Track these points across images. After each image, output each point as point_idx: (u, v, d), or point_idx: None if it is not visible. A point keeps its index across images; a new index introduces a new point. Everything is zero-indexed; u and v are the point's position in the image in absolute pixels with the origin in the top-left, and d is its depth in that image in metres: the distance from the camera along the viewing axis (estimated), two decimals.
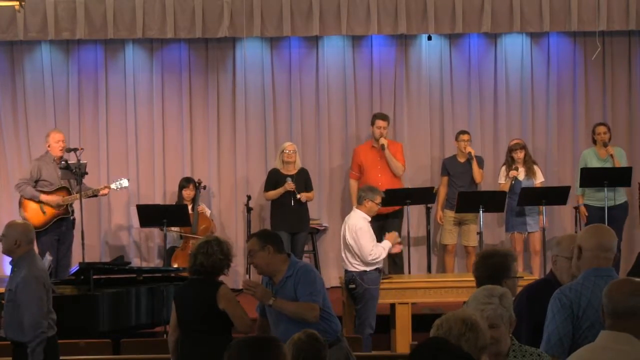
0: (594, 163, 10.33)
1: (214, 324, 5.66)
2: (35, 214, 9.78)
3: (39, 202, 9.76)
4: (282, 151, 10.34)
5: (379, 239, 8.65)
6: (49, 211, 9.80)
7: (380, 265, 8.47)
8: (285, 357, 3.33)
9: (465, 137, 10.49)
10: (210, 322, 5.66)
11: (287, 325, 5.52)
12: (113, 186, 10.07)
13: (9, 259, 6.42)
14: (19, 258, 6.20)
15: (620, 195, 10.31)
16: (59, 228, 9.86)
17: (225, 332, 5.71)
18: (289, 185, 10.12)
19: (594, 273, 4.42)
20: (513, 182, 10.26)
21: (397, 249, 8.83)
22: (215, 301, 5.64)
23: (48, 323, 6.18)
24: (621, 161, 10.31)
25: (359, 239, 8.31)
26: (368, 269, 8.38)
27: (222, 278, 5.89)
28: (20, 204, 9.89)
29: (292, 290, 5.67)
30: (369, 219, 8.42)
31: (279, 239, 5.82)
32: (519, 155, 10.32)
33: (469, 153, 10.38)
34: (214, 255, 5.70)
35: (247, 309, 5.86)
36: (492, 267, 4.93)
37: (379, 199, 8.39)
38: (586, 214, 10.27)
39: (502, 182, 10.35)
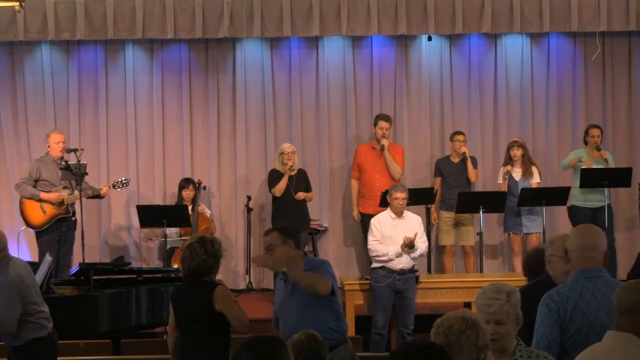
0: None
1: (211, 324, 5.66)
2: (35, 213, 9.78)
3: (39, 200, 9.75)
4: (281, 153, 10.33)
5: None
6: (49, 211, 9.79)
7: (386, 264, 8.47)
8: (289, 357, 3.31)
9: (460, 137, 10.47)
10: (208, 322, 5.66)
11: (298, 324, 5.47)
12: (116, 188, 10.07)
13: None
14: None
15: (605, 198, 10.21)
16: (60, 228, 9.86)
17: (223, 333, 5.71)
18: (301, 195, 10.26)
19: (582, 275, 4.42)
20: (508, 179, 10.21)
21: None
22: (212, 302, 5.63)
23: (38, 323, 6.18)
24: (612, 165, 10.28)
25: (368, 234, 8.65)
26: (373, 265, 8.59)
27: (222, 278, 5.89)
28: (21, 204, 9.89)
29: None
30: (393, 215, 8.57)
31: (297, 236, 5.95)
32: (516, 152, 10.29)
33: (463, 153, 10.37)
34: (198, 257, 5.72)
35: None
36: (534, 261, 5.23)
37: (395, 194, 8.52)
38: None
39: (500, 181, 10.35)
